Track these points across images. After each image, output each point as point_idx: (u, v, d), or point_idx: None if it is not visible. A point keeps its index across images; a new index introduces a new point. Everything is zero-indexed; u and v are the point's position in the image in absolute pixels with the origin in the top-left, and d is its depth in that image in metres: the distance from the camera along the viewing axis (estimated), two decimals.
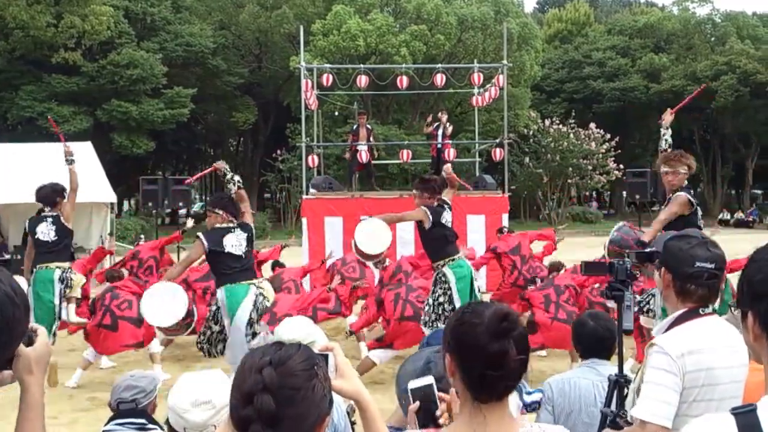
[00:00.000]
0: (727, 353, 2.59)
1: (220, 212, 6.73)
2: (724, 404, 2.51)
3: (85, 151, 18.16)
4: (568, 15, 52.47)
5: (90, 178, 17.06)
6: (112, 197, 18.18)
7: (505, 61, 17.31)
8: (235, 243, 6.63)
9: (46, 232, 8.04)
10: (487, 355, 1.87)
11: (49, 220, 8.07)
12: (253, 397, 1.56)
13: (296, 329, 3.20)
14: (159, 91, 32.24)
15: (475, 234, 15.53)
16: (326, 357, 1.81)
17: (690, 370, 2.54)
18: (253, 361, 1.62)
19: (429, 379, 2.04)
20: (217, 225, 6.71)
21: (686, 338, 2.60)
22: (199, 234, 6.75)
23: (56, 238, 8.07)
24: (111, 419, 3.61)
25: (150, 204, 16.34)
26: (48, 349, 1.79)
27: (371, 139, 17.12)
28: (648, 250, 3.67)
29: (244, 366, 1.63)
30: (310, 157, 16.66)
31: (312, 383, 1.61)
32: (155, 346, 8.71)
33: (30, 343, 1.75)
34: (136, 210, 37.51)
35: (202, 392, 2.72)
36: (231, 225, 6.69)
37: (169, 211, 35.60)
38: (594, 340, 3.74)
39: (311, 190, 16.16)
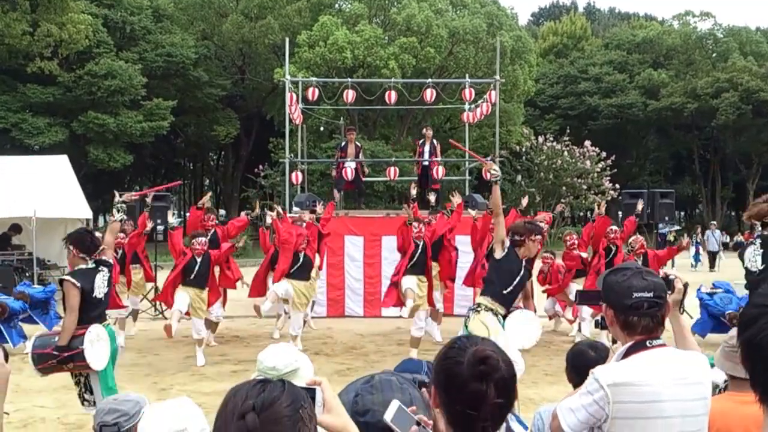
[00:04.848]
0: (677, 386, 2.55)
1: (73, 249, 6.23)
2: None
3: (60, 165, 18.15)
4: (563, 28, 51.64)
5: (65, 193, 17.24)
6: (88, 213, 17.58)
7: (497, 76, 17.30)
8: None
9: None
10: (465, 395, 1.93)
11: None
12: None
13: (278, 358, 2.85)
14: (138, 102, 31.54)
15: (465, 256, 14.55)
16: (314, 391, 1.78)
17: (621, 401, 2.50)
18: (236, 404, 1.56)
19: (395, 404, 1.97)
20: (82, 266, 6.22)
21: (625, 370, 2.58)
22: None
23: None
24: None
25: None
26: (5, 370, 2.03)
27: (360, 156, 16.77)
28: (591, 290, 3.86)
29: (227, 408, 1.57)
30: (293, 174, 16.36)
31: (297, 428, 1.56)
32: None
33: None
34: None
35: (176, 421, 2.66)
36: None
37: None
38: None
39: (294, 209, 15.62)
